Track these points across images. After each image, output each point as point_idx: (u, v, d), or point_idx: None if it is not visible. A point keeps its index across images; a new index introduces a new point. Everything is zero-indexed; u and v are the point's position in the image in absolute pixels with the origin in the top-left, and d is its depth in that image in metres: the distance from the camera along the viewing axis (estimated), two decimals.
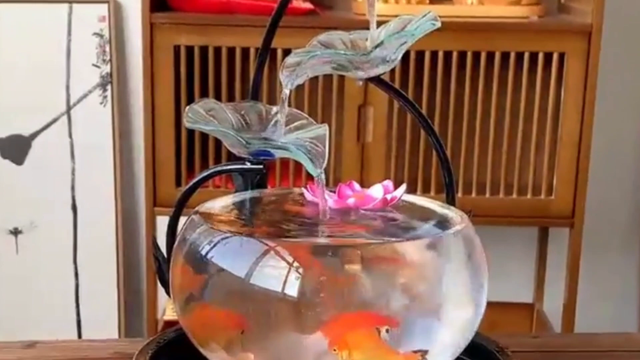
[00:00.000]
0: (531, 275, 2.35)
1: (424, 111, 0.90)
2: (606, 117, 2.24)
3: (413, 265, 0.73)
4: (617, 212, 2.41)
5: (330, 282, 0.71)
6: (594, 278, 2.38)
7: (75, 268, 2.30)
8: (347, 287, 0.70)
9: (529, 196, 1.99)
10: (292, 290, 0.70)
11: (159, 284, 2.07)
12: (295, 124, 0.80)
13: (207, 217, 0.80)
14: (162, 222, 2.12)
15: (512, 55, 1.93)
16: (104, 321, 2.32)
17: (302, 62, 0.78)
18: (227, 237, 0.75)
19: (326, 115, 1.96)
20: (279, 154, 0.77)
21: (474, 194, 1.98)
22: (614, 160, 2.36)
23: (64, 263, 2.30)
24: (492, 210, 1.98)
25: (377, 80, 0.85)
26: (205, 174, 0.82)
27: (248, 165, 0.79)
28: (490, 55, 1.93)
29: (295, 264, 0.71)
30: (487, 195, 1.98)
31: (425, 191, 1.98)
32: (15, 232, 2.28)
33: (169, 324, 2.16)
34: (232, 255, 0.74)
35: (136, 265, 2.39)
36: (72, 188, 2.27)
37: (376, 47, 0.80)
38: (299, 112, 0.82)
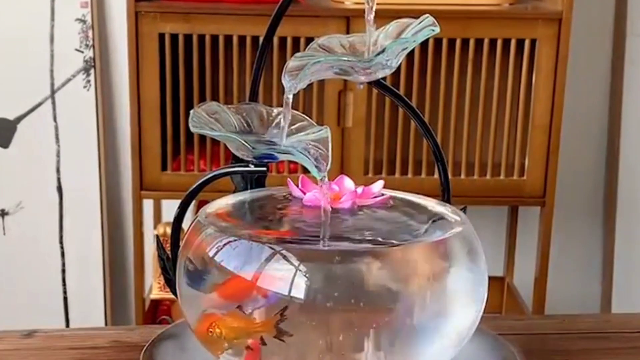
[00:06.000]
0: (501, 250, 2.42)
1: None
2: (575, 101, 2.31)
3: (418, 267, 0.75)
4: (584, 191, 2.48)
5: (335, 284, 0.73)
6: (561, 253, 2.46)
7: (62, 248, 2.33)
8: (352, 289, 0.72)
9: (502, 177, 2.04)
10: (300, 293, 0.72)
11: (145, 263, 2.13)
12: (296, 125, 0.81)
13: (212, 218, 0.81)
14: (148, 204, 2.18)
15: (486, 42, 1.97)
16: (90, 301, 2.36)
17: (306, 68, 0.78)
18: (234, 241, 0.76)
19: (307, 101, 2.01)
20: (282, 157, 0.79)
21: (450, 176, 2.03)
22: (583, 143, 2.43)
23: (51, 243, 2.33)
24: (467, 190, 2.03)
25: (376, 83, 0.86)
26: (209, 175, 0.82)
27: (252, 167, 0.80)
28: (465, 42, 1.98)
29: (303, 268, 0.73)
30: (462, 176, 2.03)
31: (404, 173, 2.03)
32: (2, 213, 2.31)
33: (155, 302, 2.21)
34: (240, 259, 0.74)
35: (122, 245, 2.42)
36: (58, 170, 2.30)
37: (379, 54, 0.80)
38: (299, 113, 0.83)
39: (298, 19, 1.94)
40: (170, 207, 2.21)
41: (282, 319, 0.73)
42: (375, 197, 0.84)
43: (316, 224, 0.79)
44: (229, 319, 0.75)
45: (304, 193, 0.84)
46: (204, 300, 0.78)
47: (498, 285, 2.36)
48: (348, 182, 0.85)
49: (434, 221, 0.82)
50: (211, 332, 0.76)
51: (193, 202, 0.88)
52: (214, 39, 1.96)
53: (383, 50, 0.80)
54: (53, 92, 2.27)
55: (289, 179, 0.88)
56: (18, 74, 2.27)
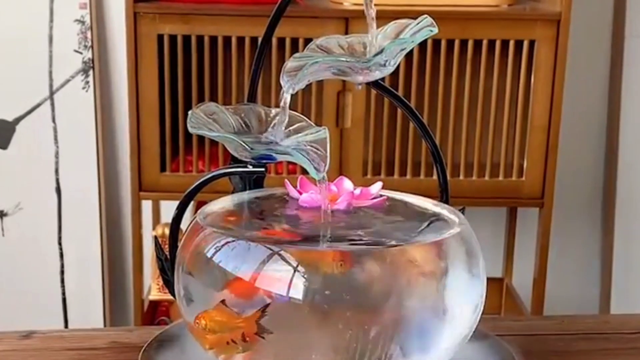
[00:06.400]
0: (500, 251, 2.42)
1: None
2: (574, 102, 2.31)
3: (416, 268, 0.75)
4: (582, 192, 2.48)
5: (335, 284, 0.73)
6: (560, 253, 2.46)
7: (60, 249, 2.33)
8: (352, 290, 0.73)
9: (500, 178, 2.04)
10: (299, 294, 0.72)
11: (144, 264, 2.13)
12: (295, 126, 0.82)
13: (211, 219, 0.81)
14: (146, 205, 2.18)
15: (485, 43, 1.97)
16: (89, 301, 2.36)
17: (304, 68, 0.78)
18: (232, 242, 0.76)
19: (306, 102, 2.01)
20: (281, 158, 0.79)
21: (448, 177, 2.03)
22: (581, 143, 2.44)
23: (49, 244, 2.33)
24: (465, 191, 2.03)
25: (374, 84, 0.86)
26: (208, 176, 0.82)
27: (250, 168, 0.80)
28: (464, 43, 1.97)
29: (301, 268, 0.73)
30: (461, 177, 2.04)
31: (402, 174, 2.03)
32: (1, 214, 2.31)
33: (154, 303, 2.21)
34: (238, 260, 0.75)
35: (120, 246, 2.42)
36: (56, 171, 2.30)
37: (377, 54, 0.80)
38: (298, 114, 0.83)
39: (296, 20, 1.95)
40: (168, 208, 2.21)
41: (263, 316, 0.73)
42: (373, 198, 0.84)
43: (312, 225, 0.80)
44: (213, 312, 0.76)
45: (301, 194, 0.84)
46: (202, 301, 0.78)
47: (497, 286, 2.36)
48: (347, 184, 0.85)
49: (432, 222, 0.82)
50: (197, 323, 0.77)
51: (192, 203, 0.89)
52: (213, 39, 1.97)
53: (381, 51, 0.80)
54: (52, 93, 2.28)
55: (286, 179, 0.88)
56: (17, 74, 2.27)
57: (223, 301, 0.75)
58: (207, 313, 0.76)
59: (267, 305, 0.73)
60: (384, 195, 0.86)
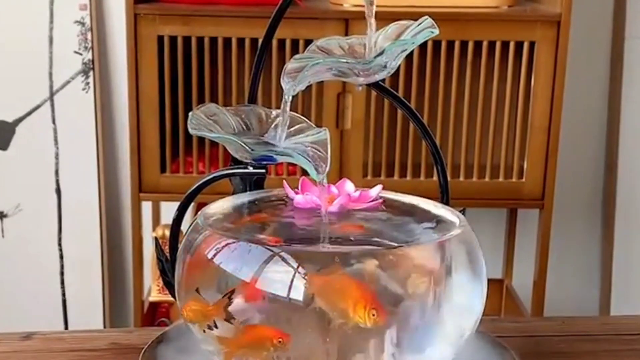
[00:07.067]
0: (500, 252, 2.42)
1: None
2: (574, 103, 2.31)
3: (417, 269, 0.75)
4: (582, 194, 2.48)
5: (335, 286, 0.73)
6: (560, 255, 2.46)
7: (60, 250, 2.33)
8: (352, 291, 0.72)
9: (501, 179, 2.04)
10: (300, 295, 0.72)
11: (144, 265, 2.13)
12: (295, 127, 0.82)
13: (211, 220, 0.81)
14: (147, 207, 2.18)
15: (485, 44, 1.97)
16: (89, 303, 2.36)
17: (305, 69, 0.78)
18: (233, 243, 0.76)
19: (306, 103, 2.01)
20: (281, 159, 0.78)
21: (448, 178, 2.03)
22: (581, 145, 2.44)
23: (49, 246, 2.33)
24: (465, 192, 2.03)
25: (375, 85, 0.86)
26: (208, 177, 0.82)
27: (251, 169, 0.80)
28: (464, 44, 1.97)
29: (302, 270, 0.73)
30: (461, 178, 2.04)
31: (402, 175, 2.03)
32: (1, 215, 2.31)
33: (154, 304, 2.21)
34: (239, 261, 0.75)
35: (121, 247, 2.43)
36: (56, 172, 2.31)
37: (378, 55, 0.80)
38: (298, 115, 0.83)
39: (297, 21, 1.95)
40: (169, 209, 2.21)
41: (230, 302, 0.74)
42: (372, 200, 0.84)
43: (309, 226, 0.81)
44: (191, 302, 0.77)
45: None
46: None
47: (497, 288, 2.36)
48: (349, 186, 0.85)
49: (432, 223, 0.82)
50: (183, 314, 0.79)
51: (192, 204, 0.89)
52: (213, 41, 1.97)
53: (382, 52, 0.81)
54: (52, 94, 2.28)
55: (284, 181, 0.88)
56: (17, 76, 2.27)
57: (197, 289, 0.76)
58: (187, 304, 0.78)
59: (232, 291, 0.74)
60: (381, 198, 0.85)
